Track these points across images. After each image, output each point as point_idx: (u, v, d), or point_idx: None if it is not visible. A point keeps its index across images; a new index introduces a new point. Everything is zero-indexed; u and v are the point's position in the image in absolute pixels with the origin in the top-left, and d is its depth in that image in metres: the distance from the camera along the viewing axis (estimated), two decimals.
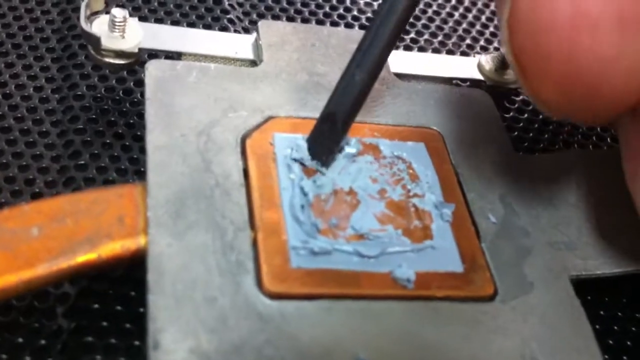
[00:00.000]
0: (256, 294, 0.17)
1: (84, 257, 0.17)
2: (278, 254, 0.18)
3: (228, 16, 0.28)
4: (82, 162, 0.22)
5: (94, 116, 0.23)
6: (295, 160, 0.19)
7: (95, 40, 0.21)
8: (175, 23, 0.27)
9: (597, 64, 0.16)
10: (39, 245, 0.17)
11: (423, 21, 0.30)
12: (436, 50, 0.29)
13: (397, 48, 0.28)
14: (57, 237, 0.17)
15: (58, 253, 0.17)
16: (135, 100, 0.24)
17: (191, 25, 0.27)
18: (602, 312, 0.22)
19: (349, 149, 0.20)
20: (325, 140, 0.19)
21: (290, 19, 0.28)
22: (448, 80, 0.24)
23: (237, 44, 0.23)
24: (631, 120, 0.18)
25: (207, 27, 0.27)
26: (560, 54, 0.16)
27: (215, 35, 0.23)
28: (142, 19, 0.26)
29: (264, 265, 0.17)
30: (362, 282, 0.18)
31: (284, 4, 0.29)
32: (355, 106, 0.19)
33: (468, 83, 0.25)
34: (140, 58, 0.22)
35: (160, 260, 0.17)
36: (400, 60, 0.24)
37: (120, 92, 0.24)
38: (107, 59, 0.22)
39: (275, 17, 0.28)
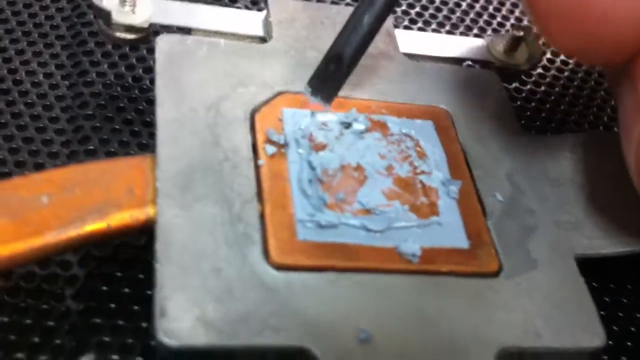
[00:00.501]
0: (263, 265, 0.17)
1: (93, 226, 0.17)
2: (285, 226, 0.18)
3: None
4: (92, 147, 0.22)
5: (103, 102, 0.24)
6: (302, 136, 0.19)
7: (105, 14, 0.21)
8: None
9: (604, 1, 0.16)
10: (49, 213, 0.17)
11: (436, 4, 0.30)
12: (448, 33, 0.29)
13: (409, 28, 0.28)
14: (67, 206, 0.17)
15: (67, 222, 0.17)
16: (145, 87, 0.24)
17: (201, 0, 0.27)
18: (606, 299, 0.22)
19: (358, 125, 0.20)
20: (330, 79, 0.20)
21: None
22: (457, 61, 0.24)
23: (247, 21, 0.23)
24: (625, 80, 0.18)
25: (216, 0, 0.27)
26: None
27: (225, 11, 0.23)
28: None
29: (270, 237, 0.17)
30: (367, 256, 0.18)
31: None
32: (362, 47, 0.19)
33: (478, 64, 0.25)
34: (150, 33, 0.22)
35: (168, 230, 0.17)
36: (410, 41, 0.24)
37: (130, 78, 0.25)
38: (117, 34, 0.22)
39: None
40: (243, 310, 0.16)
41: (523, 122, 0.22)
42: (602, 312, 0.19)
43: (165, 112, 0.19)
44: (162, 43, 0.21)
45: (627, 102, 0.18)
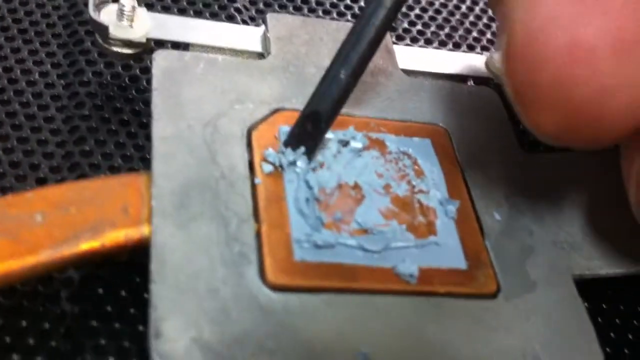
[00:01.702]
0: (259, 286, 0.17)
1: (87, 245, 0.17)
2: (282, 246, 0.18)
3: (235, 4, 0.28)
4: (87, 148, 0.22)
5: (99, 102, 0.23)
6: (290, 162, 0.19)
7: (103, 29, 0.21)
8: (181, 11, 0.27)
9: (596, 95, 0.15)
10: (42, 232, 0.17)
11: (430, 13, 0.30)
12: (443, 43, 0.29)
13: (402, 41, 0.28)
14: (61, 225, 0.17)
15: (61, 240, 0.17)
16: (142, 87, 0.24)
17: (198, 13, 0.27)
18: (604, 305, 0.22)
19: (355, 144, 0.20)
20: (307, 137, 0.19)
21: (297, 9, 0.28)
22: (456, 77, 0.24)
23: (245, 36, 0.23)
24: None
25: (214, 15, 0.27)
26: (557, 85, 0.16)
27: (223, 26, 0.23)
28: (149, 6, 0.26)
29: (267, 258, 0.17)
30: (365, 277, 0.18)
31: None
32: (339, 105, 0.19)
33: (476, 80, 0.25)
34: (148, 48, 0.22)
35: (164, 250, 0.17)
36: (408, 56, 0.24)
37: (127, 79, 0.24)
38: (114, 48, 0.22)
39: (282, 7, 0.28)
40: (239, 332, 0.16)
41: (522, 139, 0.22)
42: (598, 319, 0.18)
43: (161, 129, 0.19)
44: (160, 59, 0.21)
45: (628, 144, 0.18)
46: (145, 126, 0.23)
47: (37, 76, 0.24)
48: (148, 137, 0.20)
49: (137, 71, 0.25)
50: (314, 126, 0.19)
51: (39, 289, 0.19)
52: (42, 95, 0.23)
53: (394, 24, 0.25)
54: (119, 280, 0.19)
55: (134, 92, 0.24)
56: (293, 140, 0.19)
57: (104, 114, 0.23)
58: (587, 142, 0.17)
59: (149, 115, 0.19)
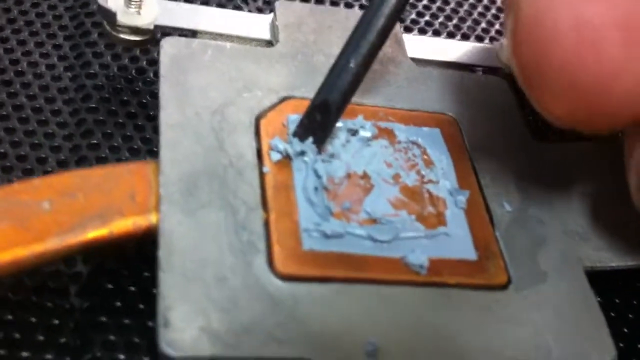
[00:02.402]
0: (267, 275, 0.17)
1: (94, 233, 0.17)
2: (290, 235, 0.17)
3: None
4: (95, 141, 0.22)
5: (106, 95, 0.23)
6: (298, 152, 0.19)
7: (111, 16, 0.21)
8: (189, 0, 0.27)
9: (601, 77, 0.15)
10: (50, 219, 0.17)
11: (438, 4, 0.29)
12: (451, 35, 0.28)
13: (410, 32, 0.28)
14: (68, 212, 0.17)
15: (69, 228, 0.16)
16: (148, 79, 0.24)
17: (204, 3, 0.27)
18: (616, 300, 0.21)
19: (364, 133, 0.20)
20: (317, 127, 0.19)
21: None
22: (465, 67, 0.24)
23: (254, 24, 0.22)
24: None
25: (221, 6, 0.27)
26: (563, 66, 0.16)
27: (231, 14, 0.23)
28: None
29: (275, 247, 0.17)
30: (374, 267, 0.17)
31: None
32: (349, 95, 0.19)
33: (485, 70, 0.25)
34: (156, 35, 0.22)
35: (171, 238, 0.17)
36: (417, 46, 0.24)
37: (133, 71, 0.24)
38: (122, 35, 0.22)
39: None
40: (247, 321, 0.16)
41: (531, 128, 0.22)
42: (611, 314, 0.18)
43: (169, 116, 0.19)
44: (167, 46, 0.20)
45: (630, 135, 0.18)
46: (153, 119, 0.23)
47: (43, 68, 0.24)
48: (155, 130, 0.20)
49: (144, 63, 0.24)
50: (323, 116, 0.19)
51: (48, 283, 0.19)
52: (48, 88, 0.23)
53: (402, 15, 0.25)
54: (127, 274, 0.19)
55: (141, 84, 0.24)
56: (302, 131, 0.19)
57: (111, 107, 0.23)
58: (596, 125, 0.17)
59: (156, 107, 0.19)
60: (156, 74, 0.23)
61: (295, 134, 0.19)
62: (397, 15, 0.18)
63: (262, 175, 0.18)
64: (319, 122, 0.19)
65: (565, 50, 0.15)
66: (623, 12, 0.15)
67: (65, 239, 0.16)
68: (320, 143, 0.19)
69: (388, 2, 0.18)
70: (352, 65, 0.18)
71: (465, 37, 0.28)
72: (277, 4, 0.23)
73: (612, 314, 0.21)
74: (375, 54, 0.19)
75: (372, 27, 0.18)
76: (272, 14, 0.23)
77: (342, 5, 0.29)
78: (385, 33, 0.18)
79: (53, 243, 0.16)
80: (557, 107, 0.17)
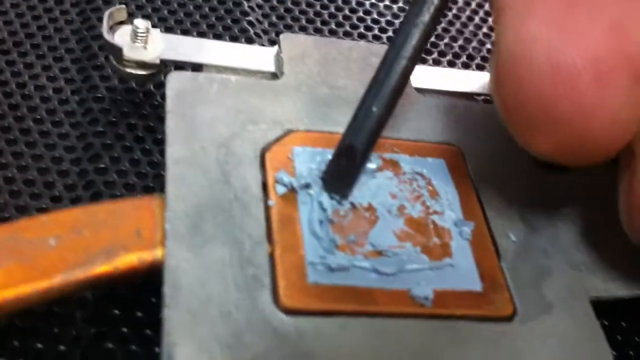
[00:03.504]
0: (272, 309, 0.17)
1: (100, 269, 0.17)
2: (295, 269, 0.17)
3: (248, 18, 0.28)
4: (102, 165, 0.22)
5: (114, 119, 0.23)
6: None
7: (117, 51, 0.21)
8: (185, 32, 0.27)
9: (578, 115, 0.16)
10: (56, 255, 0.17)
11: (438, 31, 0.30)
12: (451, 63, 0.28)
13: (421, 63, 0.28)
14: (74, 248, 0.17)
15: (75, 264, 0.17)
16: (155, 103, 0.24)
17: (211, 26, 0.27)
18: (623, 324, 0.21)
19: (369, 165, 0.20)
20: (343, 174, 0.19)
21: (318, 30, 0.28)
22: (469, 96, 0.24)
23: (259, 57, 0.23)
24: None
25: (234, 39, 0.27)
26: (540, 103, 0.16)
27: (236, 47, 0.23)
28: (161, 23, 0.26)
29: (280, 281, 0.17)
30: (379, 300, 0.17)
31: (310, 16, 0.29)
32: (373, 138, 0.19)
33: (489, 99, 0.25)
34: (162, 69, 0.22)
35: (177, 274, 0.17)
36: (421, 75, 0.24)
37: (140, 94, 0.24)
38: (128, 70, 0.22)
39: (295, 20, 0.28)
40: (252, 357, 0.16)
41: (537, 158, 0.22)
42: (612, 352, 0.18)
43: (175, 151, 0.19)
44: (173, 80, 0.21)
45: (621, 152, 0.18)
46: (160, 142, 0.23)
47: (51, 92, 0.24)
48: (162, 153, 0.20)
49: (151, 87, 0.25)
50: (349, 161, 0.19)
51: (54, 310, 0.19)
52: (56, 112, 0.24)
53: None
54: (134, 301, 0.19)
55: (148, 107, 0.24)
56: (329, 176, 0.19)
57: (118, 130, 0.23)
58: (577, 159, 0.18)
59: (163, 131, 0.19)
60: (163, 97, 0.23)
61: (322, 180, 0.19)
62: (418, 56, 0.19)
63: (267, 208, 0.18)
64: (345, 167, 0.19)
65: (541, 89, 0.16)
66: (595, 54, 0.16)
67: (71, 275, 0.16)
68: (347, 188, 0.19)
69: (409, 44, 0.18)
70: (374, 109, 0.18)
71: (465, 66, 0.28)
72: (281, 37, 0.23)
73: (619, 337, 0.21)
74: (398, 97, 0.19)
75: (394, 70, 0.18)
76: (276, 47, 0.23)
77: (355, 35, 0.29)
78: (406, 75, 0.19)
79: (59, 280, 0.16)
80: (537, 142, 0.17)
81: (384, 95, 0.18)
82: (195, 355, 0.15)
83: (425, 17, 0.18)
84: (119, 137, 0.23)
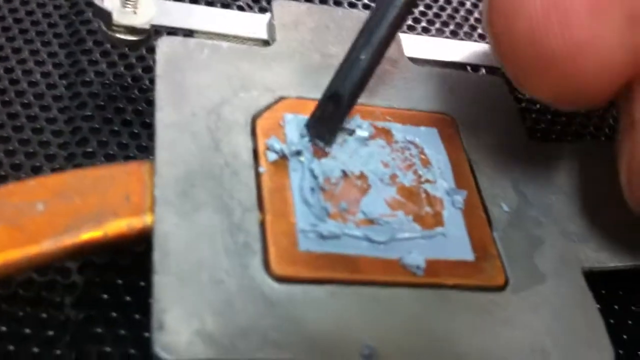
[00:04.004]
0: (263, 276, 0.17)
1: (89, 235, 0.16)
2: (286, 236, 0.17)
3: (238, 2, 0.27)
4: (90, 149, 0.22)
5: (102, 103, 0.23)
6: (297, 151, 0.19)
7: (106, 15, 0.21)
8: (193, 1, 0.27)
9: (569, 50, 0.16)
10: (44, 221, 0.16)
11: (440, 3, 0.29)
12: (453, 33, 0.28)
13: (411, 31, 0.28)
14: (62, 213, 0.17)
15: (63, 229, 0.16)
16: (144, 86, 0.24)
17: (209, 4, 0.27)
18: (615, 307, 0.21)
19: (361, 133, 0.20)
20: (329, 120, 0.19)
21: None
22: (463, 66, 0.24)
23: (250, 23, 0.22)
24: (623, 98, 0.18)
25: (225, 6, 0.27)
26: (532, 39, 0.16)
27: (228, 13, 0.23)
28: None
29: (271, 248, 0.17)
30: (370, 268, 0.17)
31: None
32: (360, 86, 0.19)
33: (484, 70, 0.24)
34: (151, 35, 0.22)
35: (166, 239, 0.16)
36: (415, 45, 0.24)
37: (129, 78, 0.24)
38: (117, 35, 0.21)
39: None
40: (243, 324, 0.16)
41: (529, 127, 0.22)
42: (610, 321, 0.18)
43: (165, 116, 0.19)
44: (163, 45, 0.20)
45: (622, 118, 0.18)
46: (148, 126, 0.22)
47: (38, 77, 0.24)
48: (151, 137, 0.20)
49: (140, 70, 0.24)
50: (335, 108, 0.19)
51: (43, 294, 0.19)
52: (43, 96, 0.23)
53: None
54: (123, 285, 0.19)
55: (136, 91, 0.24)
56: (314, 122, 0.19)
57: (107, 115, 0.23)
58: (569, 102, 0.17)
59: (151, 115, 0.19)
60: (151, 81, 0.23)
61: (307, 126, 0.19)
62: (408, 9, 0.19)
63: (258, 175, 0.18)
64: (330, 113, 0.19)
65: (533, 23, 0.16)
66: None
67: (59, 240, 0.16)
68: (331, 135, 0.19)
69: None
70: (362, 57, 0.18)
71: (466, 35, 0.28)
72: (274, 3, 0.23)
73: (612, 321, 0.21)
74: (386, 47, 0.19)
75: (384, 20, 0.18)
76: (269, 14, 0.23)
77: (345, 4, 0.28)
78: (396, 26, 0.19)
79: (47, 245, 0.16)
80: (530, 81, 0.17)
81: (373, 44, 0.18)
82: (185, 321, 0.15)
83: None
84: (107, 121, 0.23)
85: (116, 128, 0.22)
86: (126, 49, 0.24)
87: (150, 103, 0.21)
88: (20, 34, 0.25)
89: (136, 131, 0.22)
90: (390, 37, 0.19)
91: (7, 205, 0.16)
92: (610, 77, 0.16)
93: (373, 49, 0.18)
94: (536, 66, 0.17)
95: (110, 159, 0.22)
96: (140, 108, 0.23)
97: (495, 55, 0.17)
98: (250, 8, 0.27)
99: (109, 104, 0.23)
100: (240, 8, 0.27)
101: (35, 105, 0.23)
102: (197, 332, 0.15)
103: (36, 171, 0.21)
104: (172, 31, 0.22)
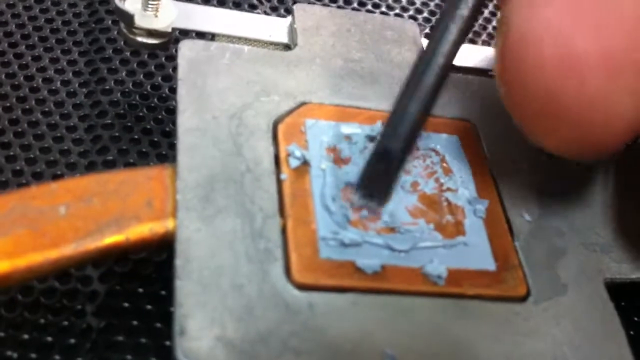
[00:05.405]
0: (284, 283, 0.17)
1: (111, 239, 0.16)
2: (307, 243, 0.17)
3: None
4: (110, 157, 0.22)
5: (122, 111, 0.23)
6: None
7: (128, 18, 0.21)
8: (206, 1, 0.27)
9: (584, 106, 0.16)
10: (66, 224, 0.16)
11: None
12: (471, 41, 0.28)
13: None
14: (85, 217, 0.17)
15: (85, 233, 0.16)
16: (164, 95, 0.24)
17: (221, 3, 0.27)
18: (636, 318, 0.21)
19: None
20: (380, 180, 0.18)
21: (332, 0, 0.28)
22: (484, 72, 0.24)
23: (272, 27, 0.22)
24: None
25: (237, 5, 0.27)
26: (546, 94, 0.16)
27: (249, 17, 0.23)
28: None
29: (292, 255, 0.17)
30: (392, 277, 0.17)
31: None
32: (411, 142, 0.17)
33: None
34: (173, 38, 0.22)
35: (188, 245, 0.16)
36: None
37: (149, 87, 0.24)
38: (139, 38, 0.21)
39: None
40: (264, 330, 0.16)
41: None
42: (631, 332, 0.18)
43: (186, 120, 0.19)
44: (185, 49, 0.20)
45: None
46: (168, 135, 0.23)
47: (58, 84, 0.24)
48: (171, 146, 0.20)
49: (160, 79, 0.24)
50: (386, 166, 0.18)
51: (64, 303, 0.19)
52: (64, 104, 0.23)
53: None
54: (144, 293, 0.19)
55: (156, 100, 0.24)
56: (365, 181, 0.18)
57: (127, 123, 0.23)
58: (577, 152, 0.17)
59: (172, 123, 0.19)
60: (172, 89, 0.23)
61: (358, 185, 0.18)
62: (456, 52, 0.18)
63: (279, 181, 0.18)
64: (381, 172, 0.18)
65: (548, 76, 0.16)
66: (607, 45, 0.15)
67: (81, 245, 0.16)
68: (385, 193, 0.18)
69: (446, 40, 0.17)
70: (412, 110, 0.17)
71: (485, 42, 0.28)
72: (295, 7, 0.23)
73: (632, 332, 0.20)
74: (436, 96, 0.18)
75: (432, 68, 0.17)
76: (290, 17, 0.22)
77: (369, 6, 0.28)
78: (445, 73, 0.17)
79: (69, 249, 0.16)
80: (541, 132, 0.17)
81: (421, 96, 0.17)
82: (206, 327, 0.15)
83: (464, 10, 0.17)
84: (127, 130, 0.23)
85: (136, 136, 0.23)
86: (145, 55, 0.24)
87: (171, 111, 0.22)
88: (40, 41, 0.25)
89: (156, 139, 0.23)
90: (439, 86, 0.17)
91: (30, 209, 0.16)
92: (620, 132, 0.16)
93: (422, 101, 0.17)
94: (548, 120, 0.16)
95: (130, 167, 0.22)
96: (160, 116, 0.23)
97: (505, 105, 0.17)
98: (273, 10, 0.27)
99: (129, 112, 0.23)
100: (253, 8, 0.27)
101: (56, 113, 0.23)
102: (219, 338, 0.15)
103: (57, 179, 0.21)
104: (193, 34, 0.22)
